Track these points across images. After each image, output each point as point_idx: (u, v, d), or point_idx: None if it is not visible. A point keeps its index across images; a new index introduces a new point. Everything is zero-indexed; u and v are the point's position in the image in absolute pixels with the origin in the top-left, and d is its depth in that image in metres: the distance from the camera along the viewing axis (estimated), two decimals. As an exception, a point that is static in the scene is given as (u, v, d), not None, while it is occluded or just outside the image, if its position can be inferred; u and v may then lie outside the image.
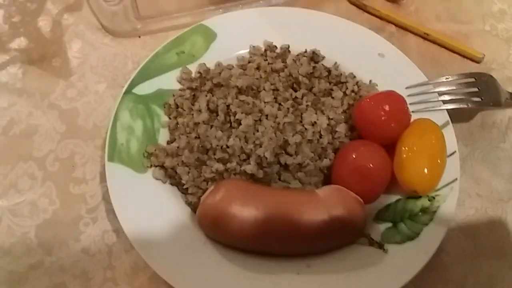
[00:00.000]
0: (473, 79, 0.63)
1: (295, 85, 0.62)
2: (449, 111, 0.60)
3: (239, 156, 0.56)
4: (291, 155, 0.56)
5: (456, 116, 0.60)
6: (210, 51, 0.65)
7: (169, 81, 0.63)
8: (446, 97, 0.62)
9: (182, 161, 0.59)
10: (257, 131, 0.57)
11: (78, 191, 0.62)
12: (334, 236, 0.53)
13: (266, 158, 0.55)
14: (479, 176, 0.62)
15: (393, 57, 0.65)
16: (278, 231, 0.50)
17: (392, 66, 0.64)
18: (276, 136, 0.57)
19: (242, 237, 0.52)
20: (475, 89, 0.63)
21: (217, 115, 0.59)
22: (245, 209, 0.50)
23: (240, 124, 0.58)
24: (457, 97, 0.62)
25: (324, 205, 0.51)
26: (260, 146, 0.56)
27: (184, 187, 0.55)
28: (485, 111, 0.66)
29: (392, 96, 0.57)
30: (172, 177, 0.56)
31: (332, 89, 0.63)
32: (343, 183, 0.54)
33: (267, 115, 0.59)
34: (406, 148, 0.54)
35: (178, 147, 0.60)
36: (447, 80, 0.63)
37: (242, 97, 0.60)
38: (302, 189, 0.55)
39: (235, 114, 0.59)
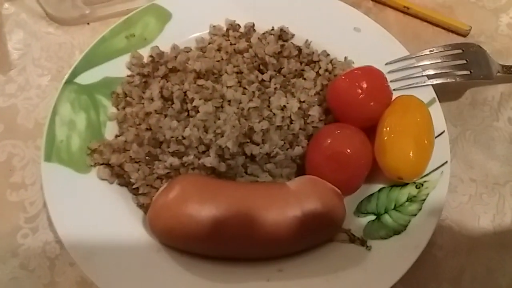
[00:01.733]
0: (460, 51, 0.58)
1: (261, 67, 0.57)
2: (434, 87, 0.55)
3: (197, 148, 0.50)
4: (257, 144, 0.51)
5: (442, 94, 0.55)
6: (165, 33, 0.59)
7: (118, 68, 0.56)
8: (431, 72, 0.57)
9: (131, 156, 0.51)
10: (219, 119, 0.51)
11: (16, 198, 0.55)
12: (308, 234, 0.45)
13: (229, 149, 0.49)
14: (472, 159, 0.57)
15: (370, 30, 0.60)
16: (243, 232, 0.44)
17: (370, 40, 0.59)
18: (240, 124, 0.51)
19: (201, 241, 0.44)
20: (463, 61, 0.57)
21: (172, 103, 0.53)
22: (204, 208, 0.43)
23: (198, 112, 0.51)
24: (444, 70, 0.57)
25: (295, 198, 0.45)
26: (222, 136, 0.50)
27: (134, 187, 0.49)
28: (474, 87, 0.62)
29: (370, 72, 0.51)
30: (120, 176, 0.50)
31: (303, 70, 0.58)
32: (318, 173, 0.48)
33: (229, 101, 0.53)
34: (388, 129, 0.48)
35: (125, 141, 0.52)
36: (432, 52, 0.58)
37: (201, 82, 0.54)
38: (270, 182, 0.49)
39: (192, 101, 0.53)
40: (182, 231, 0.43)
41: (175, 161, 0.49)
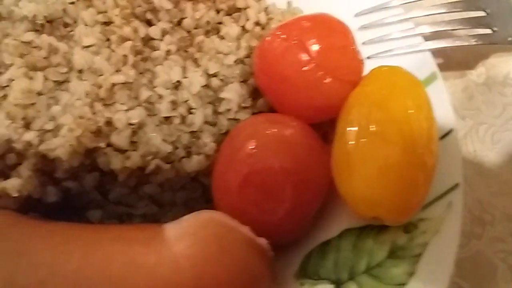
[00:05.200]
0: (477, -4, 0.44)
1: (148, 15, 0.41)
2: (434, 54, 0.41)
3: (2, 158, 0.34)
4: (122, 152, 0.35)
5: (441, 67, 0.41)
6: None
7: None
8: (429, 29, 0.43)
9: None
10: (57, 104, 0.36)
11: None
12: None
13: (63, 161, 0.33)
14: (488, 171, 0.44)
15: None
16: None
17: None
18: (95, 113, 0.35)
19: None
20: (482, 13, 0.44)
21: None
22: None
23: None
24: (448, 28, 0.44)
25: (171, 261, 0.28)
26: (55, 136, 0.34)
27: None
28: (492, 56, 0.49)
29: (323, 23, 0.37)
30: None
31: (220, 23, 0.43)
32: (229, 205, 0.33)
33: (80, 71, 0.37)
34: (355, 129, 0.32)
35: None
36: (430, -3, 0.43)
37: (30, 36, 0.38)
38: (138, 225, 0.34)
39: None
40: None
41: None
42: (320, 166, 0.34)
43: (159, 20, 0.41)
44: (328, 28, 0.36)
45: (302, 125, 0.35)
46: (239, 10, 0.43)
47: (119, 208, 0.36)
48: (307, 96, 0.35)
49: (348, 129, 0.32)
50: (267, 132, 0.34)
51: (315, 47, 0.35)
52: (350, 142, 0.32)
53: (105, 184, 0.35)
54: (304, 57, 0.35)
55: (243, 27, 0.42)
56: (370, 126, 0.32)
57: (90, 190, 0.34)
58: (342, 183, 0.32)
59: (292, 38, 0.35)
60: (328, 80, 0.35)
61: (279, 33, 0.36)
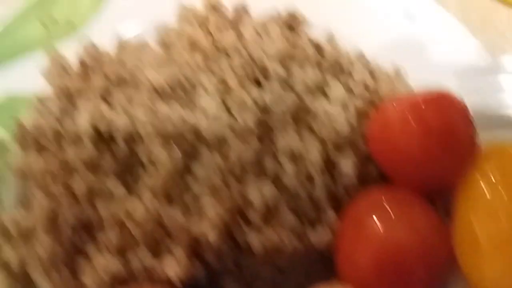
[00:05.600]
0: None
1: (258, 76, 0.40)
2: None
3: (155, 240, 0.34)
4: (258, 228, 0.35)
5: None
6: (103, 17, 0.48)
7: (26, 77, 0.43)
8: None
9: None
10: (190, 174, 0.36)
11: None
12: None
13: (210, 243, 0.34)
14: None
15: (430, 17, 0.47)
16: None
17: (428, 35, 0.46)
18: (230, 189, 0.35)
19: None
20: None
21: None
22: None
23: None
24: None
25: None
26: (198, 213, 0.35)
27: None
28: None
29: (444, 103, 0.37)
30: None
31: (325, 85, 0.41)
32: (362, 283, 0.34)
33: (208, 141, 0.37)
34: (484, 211, 0.33)
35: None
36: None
37: (161, 107, 0.38)
38: None
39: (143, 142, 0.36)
40: None
41: (112, 264, 0.33)
42: (444, 243, 0.35)
43: (268, 80, 0.40)
44: (448, 105, 0.37)
45: (425, 201, 0.36)
46: (344, 71, 0.43)
47: (245, 273, 0.36)
48: (424, 174, 0.36)
49: (475, 210, 0.33)
50: (395, 210, 0.35)
51: (435, 123, 0.35)
52: (478, 226, 0.33)
53: (240, 260, 0.36)
54: (424, 130, 0.35)
55: (350, 90, 0.41)
56: (500, 209, 0.33)
57: (228, 269, 0.35)
58: (469, 264, 0.33)
59: (414, 115, 0.36)
60: (445, 155, 0.35)
61: (399, 103, 0.37)
